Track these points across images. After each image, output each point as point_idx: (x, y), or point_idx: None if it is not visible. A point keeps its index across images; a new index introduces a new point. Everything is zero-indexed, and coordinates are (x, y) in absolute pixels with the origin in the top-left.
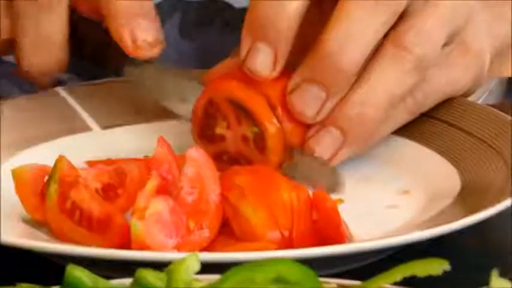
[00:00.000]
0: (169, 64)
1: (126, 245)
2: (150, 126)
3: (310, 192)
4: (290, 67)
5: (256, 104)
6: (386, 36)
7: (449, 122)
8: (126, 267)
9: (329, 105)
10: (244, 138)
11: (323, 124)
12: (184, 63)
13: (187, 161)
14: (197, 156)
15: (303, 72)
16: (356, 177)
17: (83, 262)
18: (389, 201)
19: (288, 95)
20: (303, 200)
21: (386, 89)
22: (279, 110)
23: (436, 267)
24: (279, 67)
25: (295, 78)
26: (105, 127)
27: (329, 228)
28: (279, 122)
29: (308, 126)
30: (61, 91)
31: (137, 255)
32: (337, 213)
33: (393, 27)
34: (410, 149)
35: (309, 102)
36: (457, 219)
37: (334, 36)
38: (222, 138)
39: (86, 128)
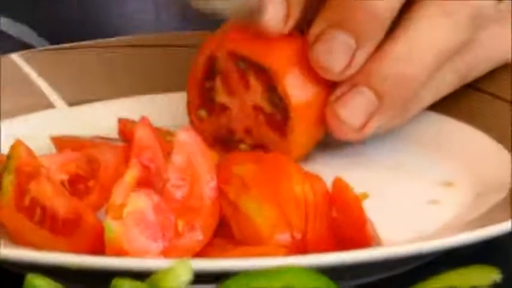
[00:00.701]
0: None
1: (100, 250)
2: (129, 102)
3: (329, 184)
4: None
5: (277, 61)
6: None
7: (503, 97)
8: (100, 278)
9: (360, 56)
10: (256, 110)
11: (352, 84)
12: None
13: (175, 146)
14: (187, 139)
15: (327, 18)
16: (386, 164)
17: (45, 271)
18: (428, 195)
19: (310, 45)
20: (320, 193)
21: (432, 44)
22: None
23: (485, 276)
24: (292, 20)
25: (318, 26)
26: (72, 103)
27: (352, 229)
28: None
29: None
30: (16, 58)
31: (113, 262)
32: (361, 210)
33: None
34: (454, 130)
35: (336, 52)
36: (509, 219)
37: None
38: (225, 110)
39: (49, 105)
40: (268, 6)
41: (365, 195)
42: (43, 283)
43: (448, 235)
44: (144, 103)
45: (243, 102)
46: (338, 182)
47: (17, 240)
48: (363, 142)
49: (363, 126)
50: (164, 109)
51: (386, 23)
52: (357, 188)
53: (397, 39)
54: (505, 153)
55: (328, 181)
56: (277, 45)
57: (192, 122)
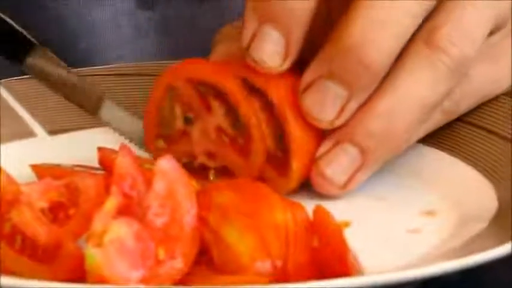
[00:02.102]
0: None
1: (80, 278)
2: (108, 131)
3: (310, 212)
4: (296, 67)
5: (233, 85)
6: (416, 34)
7: (486, 128)
8: None
9: (352, 107)
10: (219, 131)
11: (337, 140)
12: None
13: (156, 174)
14: (168, 167)
15: (320, 67)
16: (367, 193)
17: None
18: (410, 224)
19: (300, 94)
20: (301, 222)
21: (417, 100)
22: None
23: None
24: (291, 59)
25: (310, 74)
26: (52, 132)
27: (333, 258)
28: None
29: (318, 141)
30: None
31: None
32: (342, 239)
33: (425, 22)
34: (436, 160)
35: (326, 103)
36: (492, 247)
37: (359, 24)
38: (184, 137)
39: (29, 134)
40: (265, 44)
41: (346, 224)
42: None
43: (429, 264)
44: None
45: (204, 126)
46: (319, 211)
47: None
48: None
49: (347, 183)
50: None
51: (380, 74)
52: (339, 216)
53: (381, 95)
54: (485, 182)
55: (310, 209)
56: (268, 87)
57: (151, 153)
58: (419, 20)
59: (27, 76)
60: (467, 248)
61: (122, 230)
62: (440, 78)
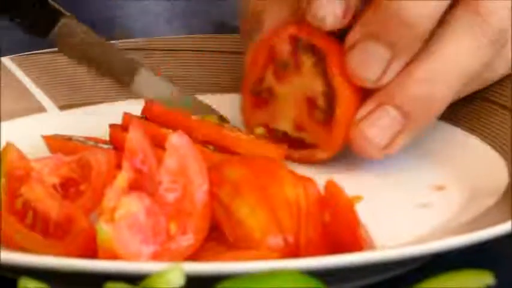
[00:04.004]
0: None
1: (92, 254)
2: (120, 106)
3: (321, 187)
4: None
5: (335, 53)
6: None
7: (499, 103)
8: (92, 281)
9: (395, 67)
10: (308, 101)
11: (379, 102)
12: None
13: (168, 149)
14: (180, 143)
15: (364, 27)
16: (378, 168)
17: (38, 274)
18: (420, 198)
19: (346, 52)
20: (312, 197)
21: (460, 65)
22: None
23: (478, 280)
24: (350, 13)
25: (354, 35)
26: (63, 107)
27: (344, 233)
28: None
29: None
30: (7, 62)
31: (105, 266)
32: (354, 214)
33: None
34: (446, 134)
35: (370, 63)
36: (503, 222)
37: None
38: (273, 100)
39: (40, 109)
40: (326, 3)
41: (358, 199)
42: (35, 287)
43: (440, 239)
44: (135, 107)
45: (294, 93)
46: (331, 185)
47: (8, 243)
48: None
49: (388, 145)
50: None
51: (424, 34)
52: (350, 191)
53: (424, 59)
54: (497, 157)
55: (321, 185)
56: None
57: (246, 120)
58: None
59: (38, 51)
60: (477, 222)
61: (133, 206)
62: (482, 47)
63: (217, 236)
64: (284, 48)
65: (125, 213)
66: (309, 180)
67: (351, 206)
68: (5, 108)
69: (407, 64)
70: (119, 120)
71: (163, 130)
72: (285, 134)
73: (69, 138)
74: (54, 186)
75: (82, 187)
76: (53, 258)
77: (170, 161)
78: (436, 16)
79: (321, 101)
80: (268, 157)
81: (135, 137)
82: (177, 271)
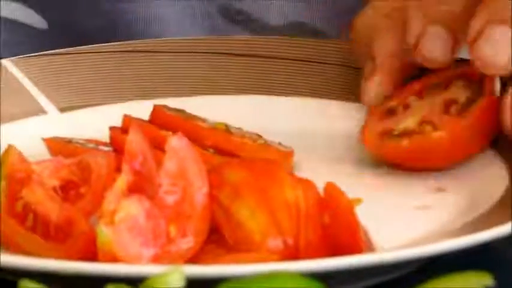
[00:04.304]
0: None
1: (92, 257)
2: (121, 108)
3: (321, 190)
4: None
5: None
6: None
7: None
8: (92, 284)
9: None
10: (446, 102)
11: (487, 20)
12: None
13: (168, 151)
14: (179, 145)
15: (487, 13)
16: (377, 171)
17: (38, 277)
18: (419, 200)
19: (471, 43)
20: (312, 199)
21: None
22: None
23: (478, 282)
24: (458, 48)
25: (478, 23)
26: (63, 109)
27: (344, 235)
28: None
29: None
30: (6, 63)
31: (105, 268)
32: (354, 216)
33: None
34: None
35: (500, 46)
36: (502, 224)
37: None
38: (409, 108)
39: (40, 111)
40: (435, 42)
41: (358, 201)
42: None
43: (440, 241)
44: (135, 109)
45: (433, 100)
46: (330, 187)
47: (9, 246)
48: (354, 149)
49: (508, 62)
50: None
51: None
52: (349, 194)
53: None
54: (497, 159)
55: (320, 187)
56: None
57: None
58: None
59: (38, 53)
60: (477, 224)
61: (133, 208)
62: None
63: (217, 239)
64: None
65: (125, 216)
66: (308, 182)
67: (350, 208)
68: (5, 111)
69: None
70: (119, 123)
71: (163, 132)
72: (404, 131)
73: (70, 141)
74: (54, 189)
75: (82, 190)
76: (53, 261)
77: (170, 164)
78: None
79: (462, 100)
80: (268, 159)
81: (135, 140)
82: (176, 273)
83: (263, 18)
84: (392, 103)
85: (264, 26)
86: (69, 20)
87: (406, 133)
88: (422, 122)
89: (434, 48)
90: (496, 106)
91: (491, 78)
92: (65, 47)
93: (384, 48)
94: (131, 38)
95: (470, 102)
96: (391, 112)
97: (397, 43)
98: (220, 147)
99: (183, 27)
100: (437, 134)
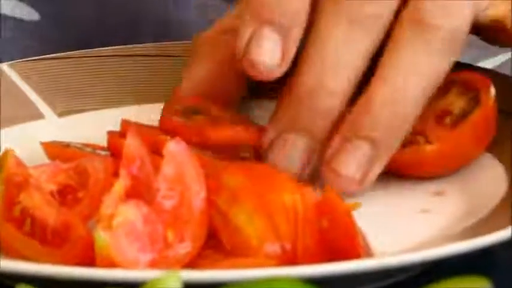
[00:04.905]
0: None
1: (89, 262)
2: (119, 113)
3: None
4: None
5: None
6: (398, 16)
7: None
8: None
9: (317, 150)
10: (441, 112)
11: (344, 137)
12: None
13: (165, 156)
14: (177, 150)
15: (279, 122)
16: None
17: (35, 282)
18: (419, 204)
19: (264, 152)
20: (310, 204)
21: (417, 79)
22: None
23: (476, 286)
24: (288, 60)
25: (271, 132)
26: (61, 114)
27: (342, 240)
28: None
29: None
30: (6, 68)
31: (103, 273)
32: (351, 221)
33: (404, 3)
34: None
35: (291, 155)
36: (502, 228)
37: (311, 71)
38: None
39: (38, 115)
40: (265, 44)
41: (356, 205)
42: None
43: (440, 245)
44: (133, 114)
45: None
46: (328, 193)
47: (6, 251)
48: None
49: (364, 177)
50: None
51: (336, 116)
52: (348, 198)
53: (379, 82)
54: (496, 163)
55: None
56: None
57: None
58: (379, 40)
59: (36, 58)
60: (477, 228)
61: (130, 213)
62: (438, 53)
63: (215, 244)
64: None
65: (123, 221)
66: (306, 187)
67: (348, 213)
68: (3, 115)
69: (364, 92)
70: (117, 127)
71: (161, 137)
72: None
73: (68, 145)
74: (52, 193)
75: (80, 194)
76: (50, 266)
77: (168, 168)
78: (350, 90)
79: (456, 111)
80: (265, 164)
81: (132, 144)
82: (174, 278)
83: None
84: None
85: None
86: (62, 11)
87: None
88: (416, 134)
89: (263, 51)
90: (491, 119)
91: (488, 89)
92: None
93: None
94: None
95: (465, 113)
96: None
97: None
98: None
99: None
100: (429, 147)
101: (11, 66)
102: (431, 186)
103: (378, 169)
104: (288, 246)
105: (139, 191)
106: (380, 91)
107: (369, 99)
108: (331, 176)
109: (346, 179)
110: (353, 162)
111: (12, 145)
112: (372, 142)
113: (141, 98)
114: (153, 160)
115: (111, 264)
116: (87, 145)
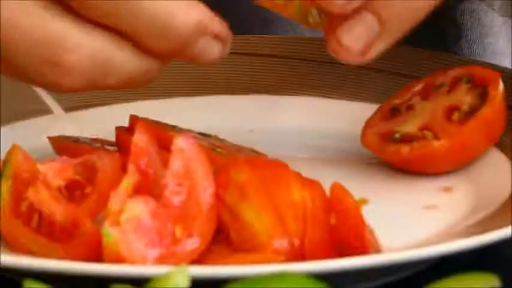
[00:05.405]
0: None
1: (97, 257)
2: (127, 108)
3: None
4: None
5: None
6: None
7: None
8: (97, 284)
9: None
10: (450, 108)
11: (356, 9)
12: None
13: (173, 152)
14: (185, 146)
15: None
16: (384, 171)
17: (43, 278)
18: (427, 200)
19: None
20: (318, 199)
21: None
22: None
23: (484, 283)
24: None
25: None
26: (69, 109)
27: (350, 236)
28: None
29: None
30: None
31: (111, 269)
32: (360, 216)
33: None
34: None
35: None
36: (510, 225)
37: None
38: (412, 110)
39: (47, 111)
40: None
41: (364, 201)
42: None
43: (447, 241)
44: (141, 109)
45: (436, 104)
46: (336, 188)
47: (13, 246)
48: (360, 149)
49: (365, 51)
50: (166, 114)
51: None
52: (355, 193)
53: None
54: (503, 159)
55: (327, 187)
56: None
57: None
58: None
59: None
60: (485, 224)
61: (138, 209)
62: None
63: (223, 239)
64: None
65: (131, 217)
66: (314, 183)
67: (356, 209)
68: (11, 110)
69: None
70: (125, 123)
71: (170, 132)
72: (405, 134)
73: (75, 140)
74: (59, 189)
75: (87, 190)
76: (58, 262)
77: (176, 164)
78: None
79: (464, 107)
80: (274, 160)
81: (140, 140)
82: (182, 274)
83: None
84: (397, 101)
85: None
86: None
87: (407, 139)
88: (424, 129)
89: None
90: (499, 115)
91: (496, 85)
92: None
93: None
94: None
95: (473, 109)
96: (394, 111)
97: None
98: None
99: None
100: (437, 143)
101: None
102: (439, 182)
103: (381, 46)
104: (296, 241)
105: (148, 187)
106: None
107: None
108: (333, 43)
109: (347, 48)
110: (356, 33)
111: (20, 140)
112: (380, 18)
113: (150, 93)
114: (161, 156)
115: (119, 260)
116: (95, 140)
